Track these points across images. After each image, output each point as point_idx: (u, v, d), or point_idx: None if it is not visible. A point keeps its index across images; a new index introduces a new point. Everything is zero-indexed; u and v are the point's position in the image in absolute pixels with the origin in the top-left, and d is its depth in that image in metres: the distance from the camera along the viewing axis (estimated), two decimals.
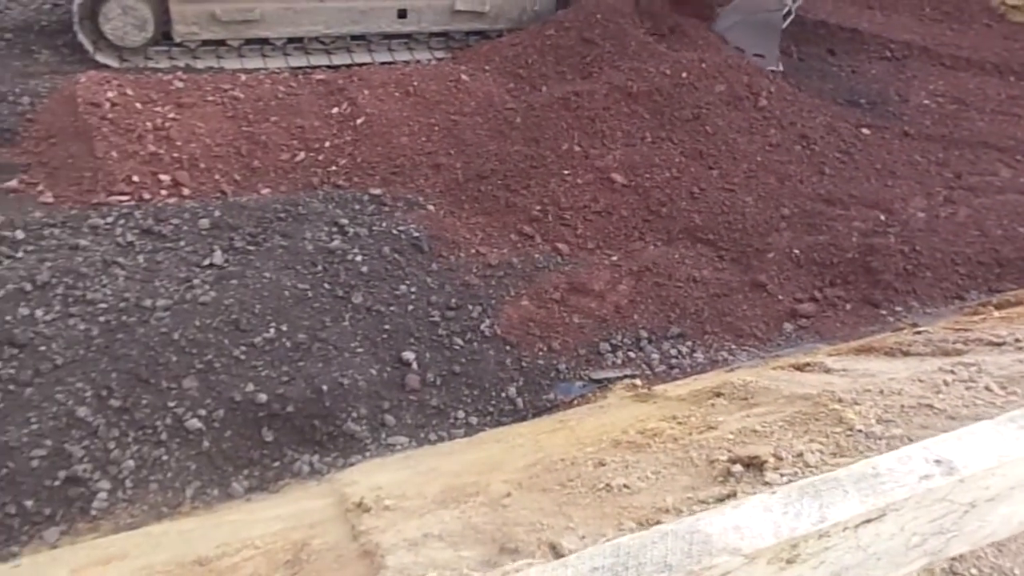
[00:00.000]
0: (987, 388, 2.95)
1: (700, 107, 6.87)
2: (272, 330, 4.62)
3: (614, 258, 5.86)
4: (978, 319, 4.40)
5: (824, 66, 8.65)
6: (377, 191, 6.06)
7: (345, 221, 5.62)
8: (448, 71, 7.23)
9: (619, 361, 5.14)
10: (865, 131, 7.47)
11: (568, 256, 5.82)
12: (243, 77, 6.79)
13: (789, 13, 8.45)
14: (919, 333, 4.19)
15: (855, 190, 6.63)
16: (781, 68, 8.54)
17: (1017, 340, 3.36)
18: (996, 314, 4.51)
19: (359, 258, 5.31)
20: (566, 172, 6.32)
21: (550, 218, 6.04)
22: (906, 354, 3.71)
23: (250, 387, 4.29)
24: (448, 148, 6.47)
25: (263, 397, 4.26)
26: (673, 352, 5.23)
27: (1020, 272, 5.77)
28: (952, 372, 3.11)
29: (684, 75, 7.03)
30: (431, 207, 6.01)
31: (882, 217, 6.29)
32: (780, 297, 5.62)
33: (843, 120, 7.51)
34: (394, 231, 5.63)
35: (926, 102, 8.17)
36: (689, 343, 5.30)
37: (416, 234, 5.67)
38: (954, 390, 2.96)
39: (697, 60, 7.24)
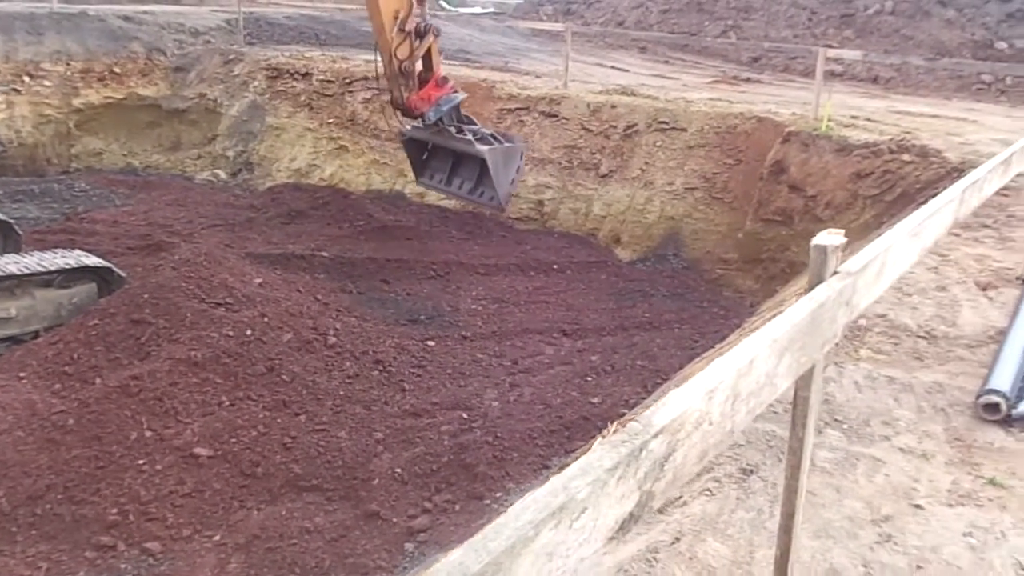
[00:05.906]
0: None
1: (272, 359, 6.93)
2: None
3: (216, 538, 5.37)
4: None
5: (382, 295, 9.43)
6: None
7: None
8: None
9: None
10: (431, 343, 8.20)
11: (162, 554, 5.18)
12: None
13: None
14: None
15: (435, 397, 7.13)
16: None
17: None
18: None
19: None
20: (141, 462, 5.76)
21: (132, 518, 5.37)
22: None
23: None
24: None
25: None
26: None
27: (583, 430, 6.63)
28: None
29: (248, 332, 7.08)
30: None
31: (464, 415, 6.82)
32: (395, 520, 5.63)
33: (409, 338, 8.18)
34: None
35: (473, 306, 9.34)
36: None
37: None
38: None
39: (259, 315, 7.37)
